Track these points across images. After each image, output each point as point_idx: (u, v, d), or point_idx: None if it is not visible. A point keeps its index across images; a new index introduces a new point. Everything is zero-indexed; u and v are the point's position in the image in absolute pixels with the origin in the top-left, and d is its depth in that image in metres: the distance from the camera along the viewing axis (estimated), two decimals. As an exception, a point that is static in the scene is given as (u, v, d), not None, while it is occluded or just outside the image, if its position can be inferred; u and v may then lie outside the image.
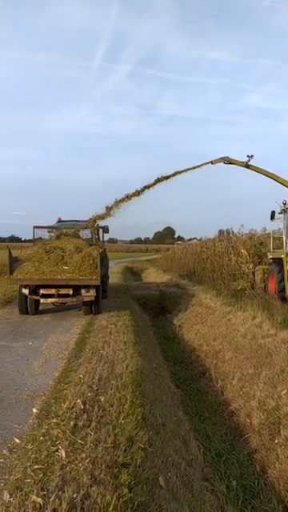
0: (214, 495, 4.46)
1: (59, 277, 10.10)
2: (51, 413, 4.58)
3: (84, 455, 3.59)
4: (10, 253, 10.35)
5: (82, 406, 4.68)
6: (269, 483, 5.10)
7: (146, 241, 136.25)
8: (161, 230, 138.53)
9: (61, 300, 10.83)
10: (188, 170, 13.94)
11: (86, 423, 4.26)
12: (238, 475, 5.33)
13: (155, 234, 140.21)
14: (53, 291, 10.42)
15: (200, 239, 35.72)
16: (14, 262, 10.39)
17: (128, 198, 12.89)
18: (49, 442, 3.85)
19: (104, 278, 12.49)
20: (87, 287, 10.42)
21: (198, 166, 14.14)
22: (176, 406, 6.82)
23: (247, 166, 14.34)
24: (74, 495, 2.98)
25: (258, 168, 14.49)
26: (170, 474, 3.92)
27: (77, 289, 10.49)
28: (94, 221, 12.85)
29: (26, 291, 10.64)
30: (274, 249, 15.08)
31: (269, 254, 15.37)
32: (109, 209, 12.65)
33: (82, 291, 10.48)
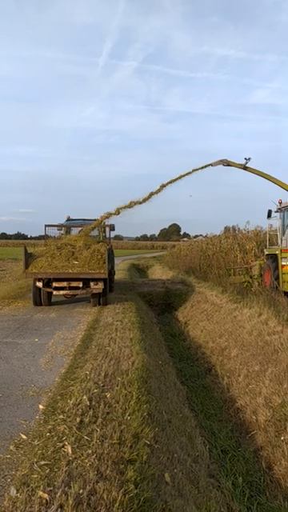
0: (220, 492, 4.47)
1: (70, 271, 10.97)
2: (57, 409, 4.59)
3: (90, 451, 3.60)
4: (25, 249, 11.21)
5: (88, 403, 4.69)
6: (275, 480, 5.11)
7: (152, 238, 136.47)
8: (167, 226, 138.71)
9: (72, 292, 11.69)
10: (190, 173, 14.82)
11: (92, 419, 4.28)
12: (244, 472, 5.33)
13: (161, 230, 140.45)
14: (64, 284, 11.30)
15: (206, 236, 35.68)
16: (28, 258, 11.23)
17: (134, 204, 13.56)
18: (55, 438, 3.87)
19: (111, 272, 13.13)
20: (96, 280, 11.30)
21: (199, 169, 15.01)
22: (182, 403, 6.83)
23: (245, 168, 15.13)
24: (81, 491, 3.00)
25: (254, 170, 15.23)
26: (175, 471, 3.93)
27: (86, 282, 11.37)
28: (101, 222, 13.71)
29: (39, 284, 11.53)
30: (269, 245, 16.04)
31: (265, 250, 16.16)
32: (115, 213, 13.39)
33: (91, 284, 11.37)
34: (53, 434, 3.97)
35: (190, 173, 14.84)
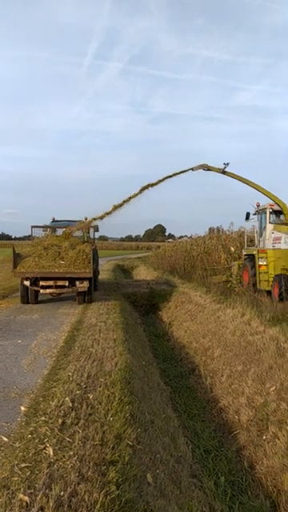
0: (202, 492, 4.49)
1: (57, 270, 11.45)
2: (39, 411, 4.56)
3: (72, 453, 3.59)
4: (14, 250, 11.70)
5: (71, 404, 4.67)
6: (256, 479, 5.14)
7: (137, 238, 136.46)
8: (152, 227, 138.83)
9: (58, 290, 12.14)
10: (170, 176, 14.97)
11: (75, 421, 4.26)
12: (227, 471, 5.36)
13: (146, 231, 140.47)
14: (51, 283, 11.75)
15: (191, 237, 35.82)
16: (17, 258, 11.67)
17: (115, 208, 13.79)
18: (37, 440, 3.84)
19: (95, 272, 13.67)
20: (81, 279, 11.79)
21: (179, 173, 15.17)
22: (165, 403, 6.84)
23: (224, 172, 15.40)
24: (62, 493, 2.98)
25: (233, 174, 15.52)
26: (158, 471, 3.93)
27: (72, 281, 11.84)
28: (88, 225, 14.08)
29: (27, 283, 12.01)
30: (248, 246, 16.88)
31: (243, 250, 16.98)
32: (98, 218, 13.76)
33: (77, 283, 11.87)
34: (34, 435, 3.95)
35: (170, 176, 15.04)
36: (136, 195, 14.17)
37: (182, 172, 15.27)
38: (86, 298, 12.61)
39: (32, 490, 3.00)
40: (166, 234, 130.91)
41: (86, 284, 11.95)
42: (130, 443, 3.93)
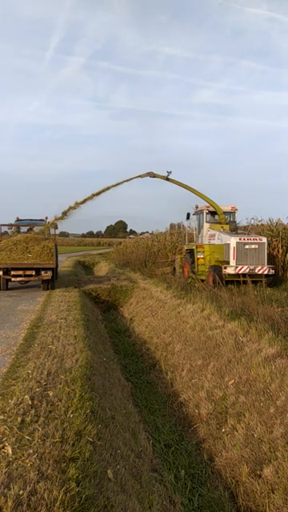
0: (163, 485, 4.53)
1: (25, 262, 14.05)
2: (-2, 410, 4.48)
3: (31, 451, 3.55)
4: None
5: (30, 402, 4.62)
6: (216, 471, 5.23)
7: (98, 234, 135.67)
8: (113, 223, 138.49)
9: (26, 279, 14.63)
10: (118, 184, 17.05)
11: (34, 419, 4.22)
12: (187, 465, 5.43)
13: (107, 227, 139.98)
14: (20, 272, 14.34)
15: (152, 233, 35.98)
16: None
17: (65, 213, 16.23)
18: (-5, 440, 3.77)
19: (56, 264, 16.00)
20: (46, 269, 14.39)
21: (127, 180, 17.21)
22: (126, 399, 6.86)
23: (167, 179, 17.58)
24: (21, 492, 2.95)
25: (175, 181, 17.74)
26: (118, 467, 3.94)
27: (38, 271, 14.40)
28: (51, 225, 16.46)
29: (0, 273, 14.41)
30: (188, 242, 19.55)
31: (185, 246, 19.64)
32: (60, 217, 16.24)
33: (42, 272, 14.41)
34: (-8, 435, 3.87)
35: (118, 184, 16.98)
36: (80, 203, 16.37)
37: (131, 179, 17.29)
38: (49, 284, 15.15)
39: (-10, 491, 2.95)
40: (128, 230, 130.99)
41: (49, 273, 14.45)
42: (91, 439, 3.92)
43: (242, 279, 13.75)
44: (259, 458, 4.81)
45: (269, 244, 17.09)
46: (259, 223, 20.02)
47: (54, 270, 15.10)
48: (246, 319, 8.50)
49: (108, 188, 16.87)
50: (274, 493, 4.28)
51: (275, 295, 12.38)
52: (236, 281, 14.12)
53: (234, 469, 5.01)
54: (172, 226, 30.93)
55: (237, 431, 5.41)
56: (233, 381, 6.46)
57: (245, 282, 13.14)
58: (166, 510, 4.10)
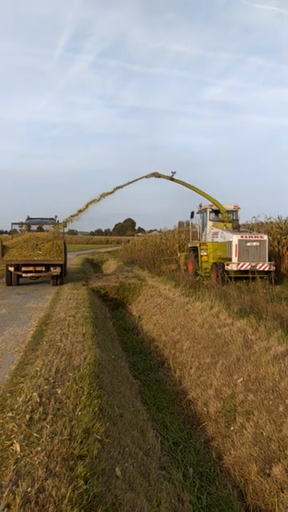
0: (171, 483, 4.52)
1: (36, 258, 14.66)
2: (6, 407, 4.49)
3: (39, 448, 3.55)
4: (1, 242, 14.63)
5: (39, 399, 4.62)
6: (224, 470, 5.22)
7: (107, 232, 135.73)
8: (122, 221, 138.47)
9: (36, 274, 15.25)
10: (127, 184, 17.30)
11: (42, 416, 4.22)
12: (195, 463, 5.41)
13: (116, 225, 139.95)
14: (31, 268, 15.01)
15: (160, 231, 35.96)
16: (3, 249, 14.65)
17: (71, 217, 16.56)
18: (3, 437, 3.78)
19: (65, 260, 16.43)
20: (55, 265, 15.03)
21: (135, 180, 17.54)
22: (134, 397, 6.85)
23: (172, 179, 17.88)
24: (29, 489, 2.95)
25: (180, 181, 18.00)
26: (126, 465, 3.94)
27: (47, 267, 15.04)
28: (63, 224, 16.85)
29: (11, 269, 15.21)
30: (192, 240, 19.80)
31: (188, 243, 20.05)
32: (67, 220, 16.61)
33: (51, 268, 15.04)
34: (1, 432, 3.88)
35: (127, 184, 17.22)
36: (96, 200, 16.67)
37: (136, 180, 17.53)
38: (58, 280, 15.70)
39: (-2, 488, 2.95)
40: (136, 227, 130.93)
41: (58, 269, 15.10)
42: (99, 437, 3.91)
43: (244, 275, 14.25)
44: (268, 456, 4.78)
45: (278, 241, 17.70)
46: (268, 221, 20.06)
47: (63, 266, 15.77)
48: (254, 317, 8.46)
49: (114, 190, 17.06)
50: (283, 492, 4.25)
51: (284, 293, 12.30)
52: (244, 278, 14.24)
53: (243, 467, 4.99)
54: (180, 223, 30.90)
55: (245, 429, 5.38)
56: (241, 379, 6.43)
57: (250, 279, 13.32)
58: (175, 508, 4.09)
